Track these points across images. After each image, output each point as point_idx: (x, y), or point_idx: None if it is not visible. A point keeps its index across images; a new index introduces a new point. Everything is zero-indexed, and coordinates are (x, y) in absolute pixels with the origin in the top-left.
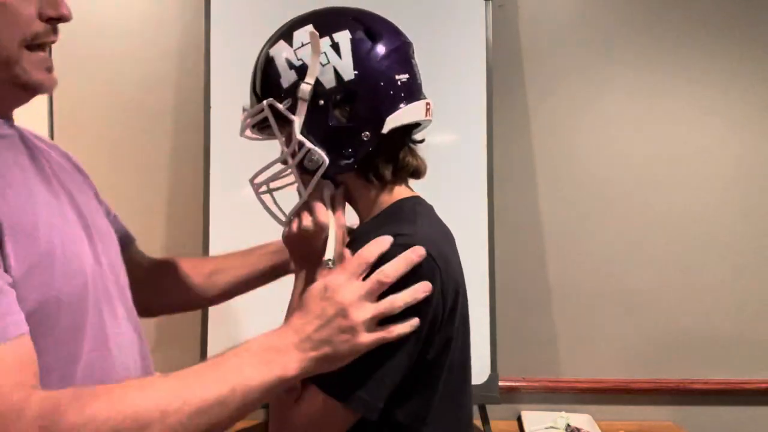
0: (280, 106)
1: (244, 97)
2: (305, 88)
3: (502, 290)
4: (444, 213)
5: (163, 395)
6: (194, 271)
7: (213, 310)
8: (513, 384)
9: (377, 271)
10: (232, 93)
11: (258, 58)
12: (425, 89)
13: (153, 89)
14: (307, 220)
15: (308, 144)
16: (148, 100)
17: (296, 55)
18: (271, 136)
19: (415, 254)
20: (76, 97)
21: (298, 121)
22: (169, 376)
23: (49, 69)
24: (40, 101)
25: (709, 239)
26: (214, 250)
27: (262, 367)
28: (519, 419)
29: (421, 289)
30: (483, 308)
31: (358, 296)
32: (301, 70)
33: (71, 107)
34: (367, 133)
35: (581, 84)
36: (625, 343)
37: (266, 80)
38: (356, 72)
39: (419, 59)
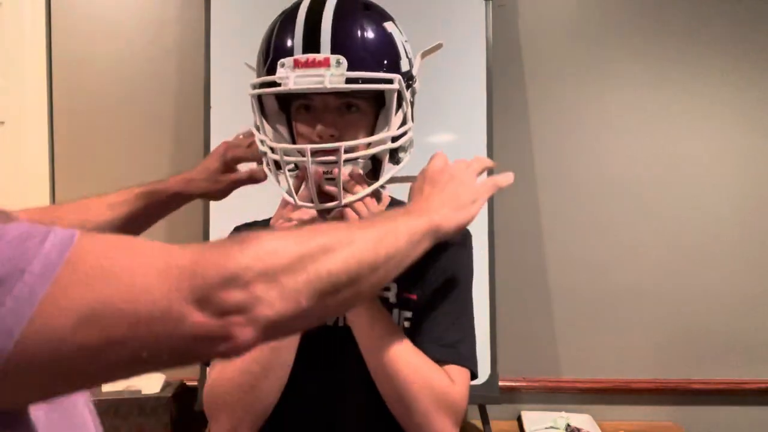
0: (404, 86)
1: (245, 97)
2: (416, 84)
3: (502, 290)
4: None
5: (362, 229)
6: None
7: None
8: (513, 384)
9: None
10: (232, 93)
11: (362, 21)
12: (425, 89)
13: (153, 89)
14: (372, 205)
15: (411, 132)
16: (148, 100)
17: (406, 47)
18: (360, 102)
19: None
20: (76, 97)
21: (410, 108)
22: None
23: None
24: (40, 101)
25: (710, 239)
26: None
27: (412, 218)
28: (519, 419)
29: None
30: (483, 308)
31: (473, 170)
32: (411, 64)
33: (71, 107)
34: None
35: (581, 84)
36: (625, 343)
37: (392, 55)
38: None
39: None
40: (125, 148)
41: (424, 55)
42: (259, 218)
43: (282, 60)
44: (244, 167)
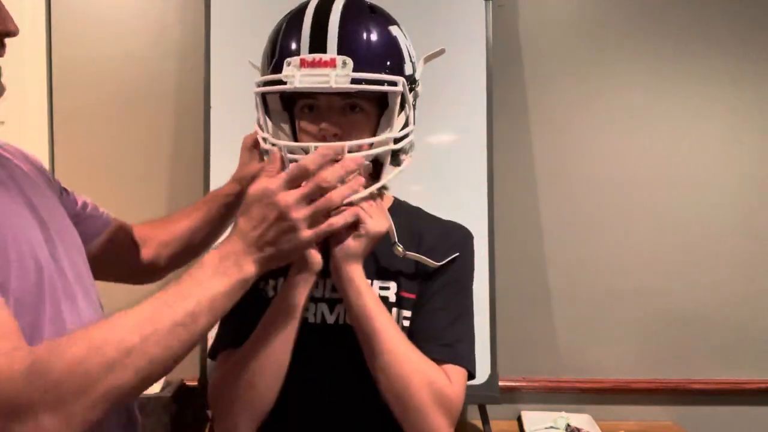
0: (407, 89)
1: (245, 97)
2: (419, 87)
3: (502, 290)
4: (444, 212)
5: (137, 322)
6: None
7: None
8: (513, 384)
9: (316, 175)
10: (232, 93)
11: (368, 24)
12: (425, 89)
13: (153, 89)
14: (376, 206)
15: (412, 135)
16: (148, 100)
17: (410, 51)
18: (363, 103)
19: (354, 163)
20: (76, 97)
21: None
22: (136, 307)
23: None
24: (39, 101)
25: (710, 238)
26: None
27: (221, 276)
28: (519, 419)
29: (357, 183)
30: (483, 308)
31: (295, 199)
32: (414, 68)
33: (71, 107)
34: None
35: (581, 84)
36: (625, 343)
37: (397, 58)
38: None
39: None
40: (125, 148)
41: (426, 59)
42: None
43: (288, 59)
44: None
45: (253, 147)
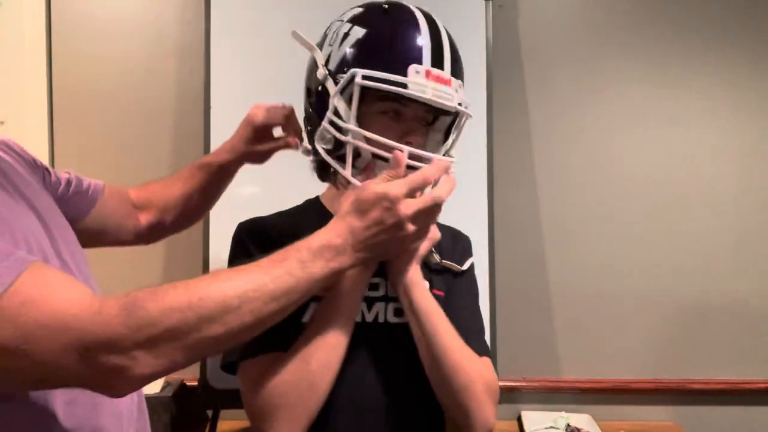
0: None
1: (244, 97)
2: None
3: (502, 290)
4: (444, 212)
5: (241, 287)
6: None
7: None
8: (513, 384)
9: (432, 191)
10: (232, 93)
11: (450, 37)
12: None
13: (153, 89)
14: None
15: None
16: (148, 100)
17: None
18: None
19: (454, 182)
20: (76, 97)
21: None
22: (240, 270)
23: None
24: (39, 101)
25: (711, 238)
26: (214, 250)
27: (324, 263)
28: (519, 419)
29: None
30: (483, 308)
31: (413, 211)
32: None
33: (71, 107)
34: None
35: (581, 83)
36: (625, 343)
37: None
38: None
39: None
40: (125, 148)
41: None
42: (259, 215)
43: (415, 66)
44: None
45: (260, 126)
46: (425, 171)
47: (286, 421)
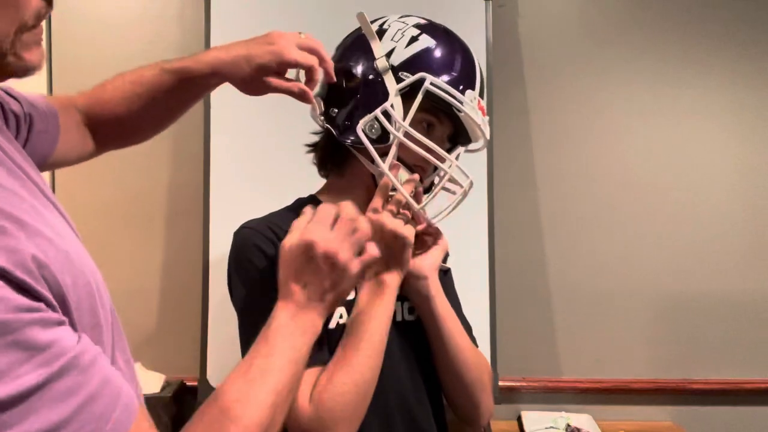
0: None
1: (244, 97)
2: None
3: (502, 290)
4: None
5: (269, 398)
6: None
7: (213, 310)
8: (513, 384)
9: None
10: (232, 93)
11: (473, 55)
12: None
13: None
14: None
15: None
16: None
17: None
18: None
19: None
20: None
21: None
22: (247, 382)
23: (39, 42)
24: None
25: (711, 238)
26: (214, 250)
27: (302, 335)
28: (519, 419)
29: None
30: (483, 308)
31: (339, 241)
32: None
33: None
34: None
35: (581, 83)
36: (625, 343)
37: None
38: None
39: None
40: (124, 148)
41: None
42: (260, 216)
43: (472, 93)
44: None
45: (270, 66)
46: (327, 206)
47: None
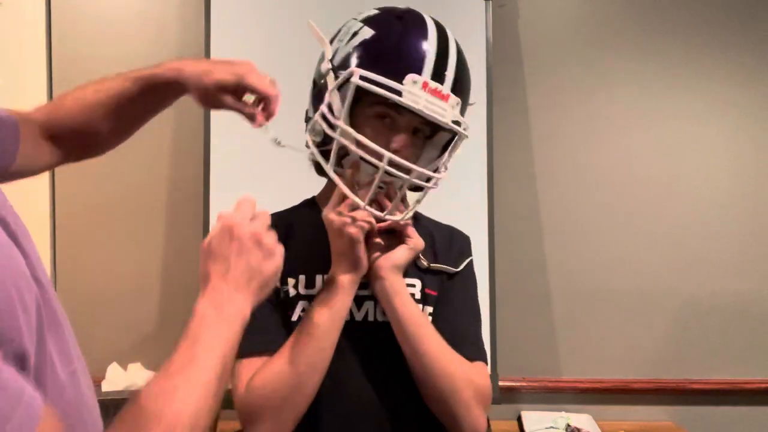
0: None
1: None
2: None
3: (502, 290)
4: (444, 212)
5: (195, 392)
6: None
7: None
8: (513, 384)
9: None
10: None
11: (460, 54)
12: None
13: None
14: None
15: None
16: None
17: None
18: (427, 129)
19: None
20: None
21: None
22: (167, 377)
23: None
24: (39, 101)
25: (711, 238)
26: None
27: (229, 325)
28: (519, 419)
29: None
30: (483, 308)
31: (261, 226)
32: None
33: None
34: None
35: (581, 83)
36: (625, 343)
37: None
38: None
39: None
40: (124, 147)
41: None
42: None
43: (414, 76)
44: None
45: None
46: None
47: (271, 422)
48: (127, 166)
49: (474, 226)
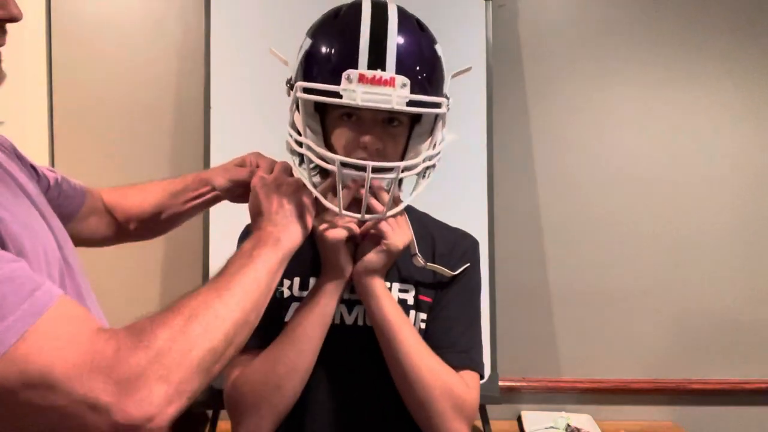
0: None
1: (244, 96)
2: (450, 102)
3: (502, 290)
4: (444, 212)
5: (234, 298)
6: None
7: None
8: (513, 384)
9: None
10: (232, 93)
11: (421, 43)
12: None
13: (153, 89)
14: (397, 220)
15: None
16: (148, 100)
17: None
18: (402, 118)
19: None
20: (76, 97)
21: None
22: (220, 279)
23: None
24: (39, 101)
25: (711, 238)
26: (214, 249)
27: (273, 250)
28: (519, 419)
29: None
30: (483, 308)
31: (283, 171)
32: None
33: (71, 107)
34: None
35: (581, 84)
36: (625, 343)
37: (441, 79)
38: None
39: None
40: (125, 148)
41: (454, 76)
42: None
43: (348, 72)
44: None
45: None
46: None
47: (251, 420)
48: (126, 168)
49: (474, 226)
